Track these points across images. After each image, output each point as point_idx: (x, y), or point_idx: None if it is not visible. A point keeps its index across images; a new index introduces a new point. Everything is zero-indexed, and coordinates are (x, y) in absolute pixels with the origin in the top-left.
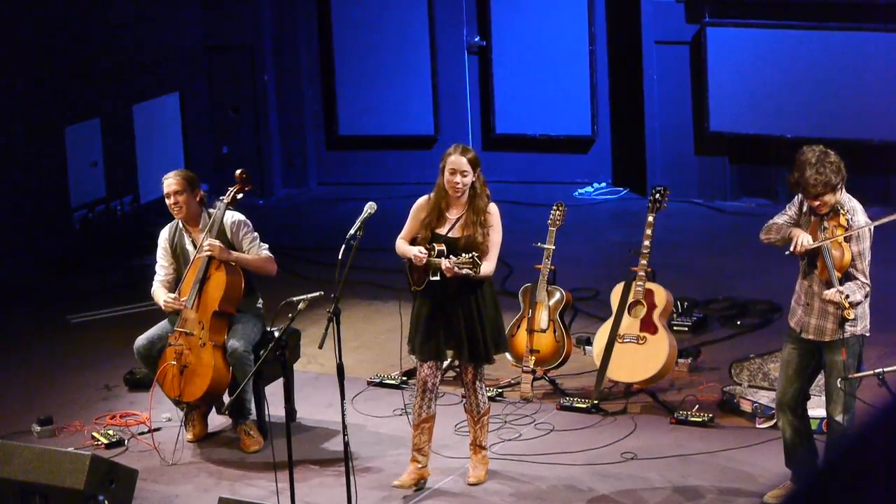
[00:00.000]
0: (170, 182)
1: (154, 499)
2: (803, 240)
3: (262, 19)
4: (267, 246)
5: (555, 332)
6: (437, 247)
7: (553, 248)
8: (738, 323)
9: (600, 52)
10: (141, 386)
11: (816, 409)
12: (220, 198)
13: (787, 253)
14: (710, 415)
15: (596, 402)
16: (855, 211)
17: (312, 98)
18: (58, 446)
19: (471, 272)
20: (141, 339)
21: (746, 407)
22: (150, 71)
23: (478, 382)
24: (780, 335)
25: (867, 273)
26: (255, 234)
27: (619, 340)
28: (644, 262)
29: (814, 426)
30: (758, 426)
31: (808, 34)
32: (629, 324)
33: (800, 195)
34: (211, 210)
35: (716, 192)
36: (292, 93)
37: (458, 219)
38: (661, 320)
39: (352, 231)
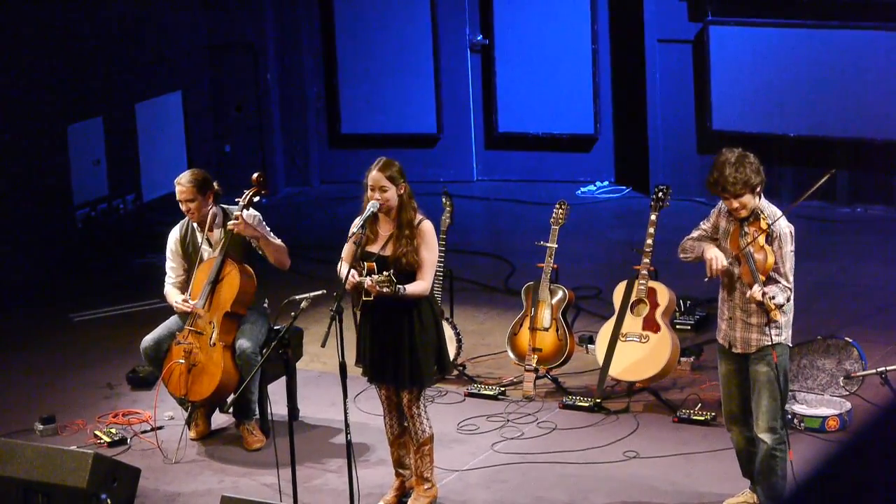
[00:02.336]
0: (180, 189)
1: (156, 497)
2: (717, 262)
3: (264, 18)
4: (280, 241)
5: (557, 330)
6: (367, 265)
7: (555, 246)
8: None
9: (603, 50)
10: (143, 384)
11: (819, 407)
12: (236, 200)
13: (705, 280)
14: (713, 413)
15: (598, 400)
16: (775, 215)
17: (315, 96)
18: (60, 445)
19: (389, 290)
20: (148, 340)
21: None
22: (153, 69)
23: (415, 408)
24: None
25: (790, 277)
26: (269, 228)
27: (622, 339)
28: (646, 260)
29: (816, 425)
30: None
31: (811, 33)
32: (632, 322)
33: (715, 209)
34: (225, 206)
35: None
36: (295, 91)
37: (389, 236)
38: (663, 319)
39: (354, 229)
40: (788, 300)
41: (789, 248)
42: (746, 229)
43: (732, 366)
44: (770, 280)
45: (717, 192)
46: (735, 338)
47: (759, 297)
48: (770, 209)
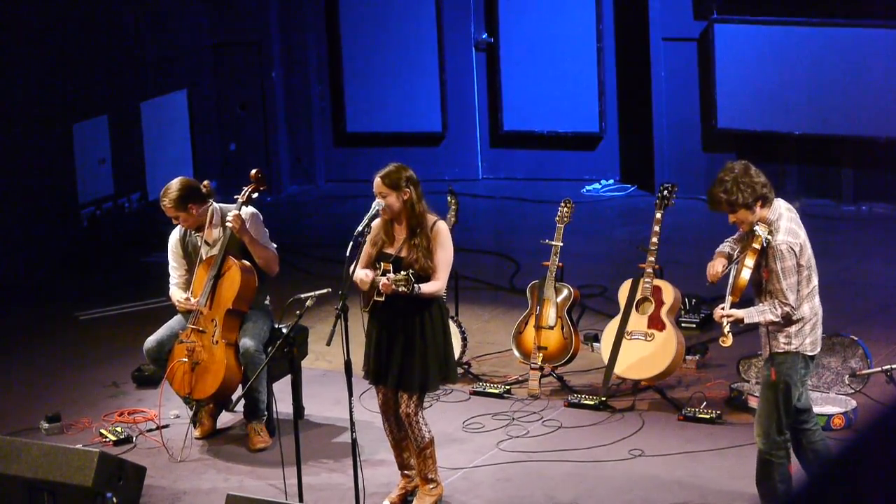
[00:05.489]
0: (165, 204)
1: (162, 496)
2: (710, 269)
3: (269, 16)
4: (275, 246)
5: (562, 328)
6: (384, 266)
7: (561, 244)
8: None
9: (608, 48)
10: (149, 383)
11: (824, 405)
12: (235, 196)
13: (707, 284)
14: (718, 412)
15: (604, 399)
16: (779, 230)
17: (320, 95)
18: (66, 443)
19: (405, 290)
20: (150, 342)
21: (754, 404)
22: (158, 68)
23: (413, 415)
24: None
25: (787, 294)
26: (266, 231)
27: (627, 337)
28: (652, 258)
29: (821, 423)
30: None
31: (816, 31)
32: (637, 321)
33: None
34: (222, 205)
35: None
36: (300, 90)
37: (405, 238)
38: (668, 317)
39: (359, 228)
40: (785, 317)
41: (788, 263)
42: (746, 244)
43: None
44: (768, 295)
45: (711, 208)
46: (763, 342)
47: (716, 317)
48: (779, 222)
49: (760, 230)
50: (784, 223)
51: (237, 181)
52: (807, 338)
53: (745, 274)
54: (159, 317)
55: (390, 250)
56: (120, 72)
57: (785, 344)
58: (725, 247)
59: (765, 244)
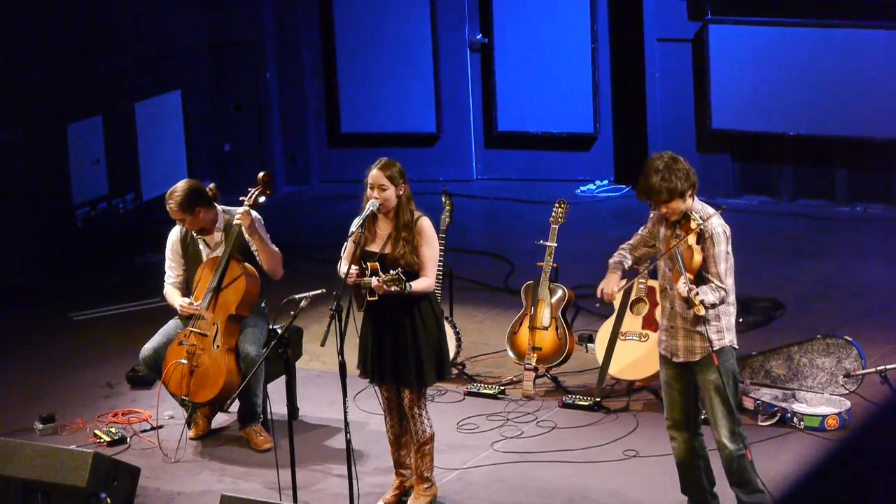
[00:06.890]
0: (171, 207)
1: (156, 496)
2: (606, 288)
3: (264, 16)
4: (276, 248)
5: (557, 329)
6: (371, 265)
7: (555, 245)
8: (740, 321)
9: (602, 49)
10: (143, 384)
11: (819, 406)
12: (241, 198)
13: (597, 305)
14: None
15: (598, 399)
16: (709, 215)
17: (314, 96)
18: (60, 444)
19: (398, 289)
20: (147, 349)
21: (748, 404)
22: (153, 68)
23: (416, 408)
24: (783, 333)
25: (723, 277)
26: (268, 235)
27: (622, 338)
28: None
29: (815, 423)
30: (760, 423)
31: (811, 31)
32: (631, 321)
33: (653, 215)
34: (226, 207)
35: (718, 189)
36: (294, 90)
37: (388, 235)
38: None
39: (353, 228)
40: (722, 301)
41: (723, 248)
42: (678, 231)
43: (674, 373)
44: (702, 280)
45: (645, 200)
46: (678, 346)
47: (683, 291)
48: (704, 210)
49: (701, 213)
50: (710, 210)
51: (231, 182)
52: (732, 330)
53: (699, 255)
54: (154, 317)
55: (374, 248)
56: (114, 72)
57: (718, 340)
58: (622, 259)
59: (702, 228)
